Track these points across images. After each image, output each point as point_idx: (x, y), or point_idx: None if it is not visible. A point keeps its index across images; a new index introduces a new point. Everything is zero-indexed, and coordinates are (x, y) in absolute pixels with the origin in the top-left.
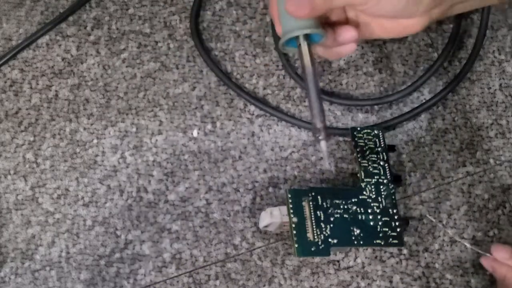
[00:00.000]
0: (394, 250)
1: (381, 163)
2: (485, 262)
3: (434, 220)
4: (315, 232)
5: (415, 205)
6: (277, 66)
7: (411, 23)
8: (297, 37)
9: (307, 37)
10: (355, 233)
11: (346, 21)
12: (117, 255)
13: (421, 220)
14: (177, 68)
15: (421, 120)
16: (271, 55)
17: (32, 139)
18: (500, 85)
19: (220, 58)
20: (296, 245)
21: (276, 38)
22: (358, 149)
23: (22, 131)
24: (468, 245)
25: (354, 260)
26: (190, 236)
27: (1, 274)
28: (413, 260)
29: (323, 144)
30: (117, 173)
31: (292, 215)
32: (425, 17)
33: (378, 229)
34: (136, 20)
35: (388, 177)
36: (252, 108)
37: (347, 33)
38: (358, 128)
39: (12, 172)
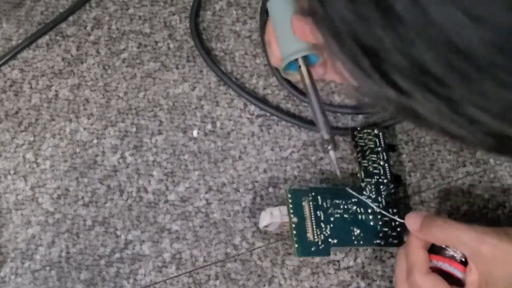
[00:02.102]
0: (394, 250)
1: (381, 163)
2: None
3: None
4: (315, 232)
5: (415, 205)
6: None
7: None
8: (296, 60)
9: (306, 58)
10: (355, 233)
11: None
12: (117, 255)
13: None
14: (177, 68)
15: None
16: None
17: (32, 139)
18: None
19: (220, 58)
20: (296, 245)
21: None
22: (358, 149)
23: (22, 131)
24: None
25: (354, 260)
26: (190, 236)
27: (1, 274)
28: None
29: (332, 154)
30: (117, 173)
31: (292, 215)
32: None
33: (378, 229)
34: (136, 20)
35: (388, 177)
36: (252, 108)
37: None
38: (358, 128)
39: (12, 172)
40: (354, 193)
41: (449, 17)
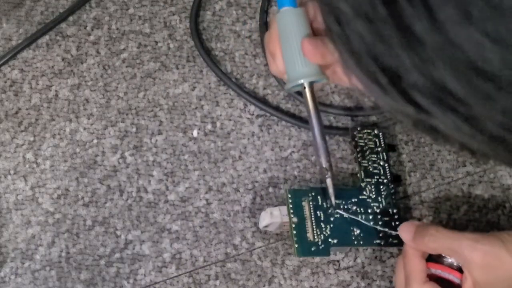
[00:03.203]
0: (394, 250)
1: (381, 163)
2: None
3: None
4: (315, 232)
5: (415, 205)
6: None
7: None
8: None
9: (311, 83)
10: (355, 233)
11: None
12: (117, 255)
13: (421, 220)
14: (177, 68)
15: None
16: None
17: (32, 139)
18: None
19: (220, 58)
20: (296, 245)
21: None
22: (358, 149)
23: (22, 131)
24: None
25: (354, 260)
26: (190, 236)
27: (1, 274)
28: None
29: (329, 182)
30: (117, 173)
31: (292, 215)
32: None
33: (378, 229)
34: (136, 20)
35: (388, 177)
36: (252, 108)
37: None
38: (358, 128)
39: (12, 172)
40: (344, 213)
41: (469, 39)
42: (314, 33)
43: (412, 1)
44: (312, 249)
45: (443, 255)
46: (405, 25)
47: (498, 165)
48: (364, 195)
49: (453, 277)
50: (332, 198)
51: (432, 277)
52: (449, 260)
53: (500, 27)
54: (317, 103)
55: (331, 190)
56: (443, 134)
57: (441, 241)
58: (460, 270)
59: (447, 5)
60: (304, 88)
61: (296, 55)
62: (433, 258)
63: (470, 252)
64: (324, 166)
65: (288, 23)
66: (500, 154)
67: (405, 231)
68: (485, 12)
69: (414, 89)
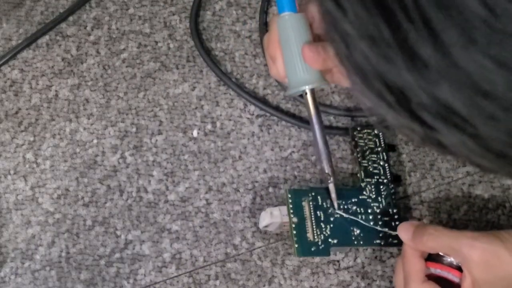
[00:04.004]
0: (394, 250)
1: (381, 163)
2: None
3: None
4: (315, 232)
5: (415, 205)
6: None
7: None
8: None
9: (312, 88)
10: (355, 233)
11: None
12: (117, 255)
13: (421, 220)
14: (177, 68)
15: None
16: None
17: (32, 139)
18: None
19: (220, 58)
20: (296, 245)
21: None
22: (358, 149)
23: (22, 131)
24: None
25: (354, 260)
26: (190, 236)
27: (1, 274)
28: None
29: (331, 187)
30: (117, 173)
31: (292, 215)
32: None
33: (378, 229)
34: (136, 20)
35: (388, 177)
36: (252, 108)
37: None
38: (358, 128)
39: (12, 172)
40: (344, 214)
41: (473, 62)
42: (314, 37)
43: (416, 25)
44: (312, 249)
45: (442, 254)
46: (410, 48)
47: (504, 179)
48: (364, 195)
49: (453, 276)
50: (335, 203)
51: (431, 277)
52: (449, 259)
53: (504, 51)
54: (318, 108)
55: (333, 195)
56: (450, 149)
57: (440, 240)
58: (459, 269)
59: (450, 29)
60: (306, 94)
61: (297, 61)
62: (433, 258)
63: (468, 250)
64: (326, 171)
65: (289, 28)
66: (506, 170)
67: (403, 231)
68: (488, 36)
69: (420, 107)
